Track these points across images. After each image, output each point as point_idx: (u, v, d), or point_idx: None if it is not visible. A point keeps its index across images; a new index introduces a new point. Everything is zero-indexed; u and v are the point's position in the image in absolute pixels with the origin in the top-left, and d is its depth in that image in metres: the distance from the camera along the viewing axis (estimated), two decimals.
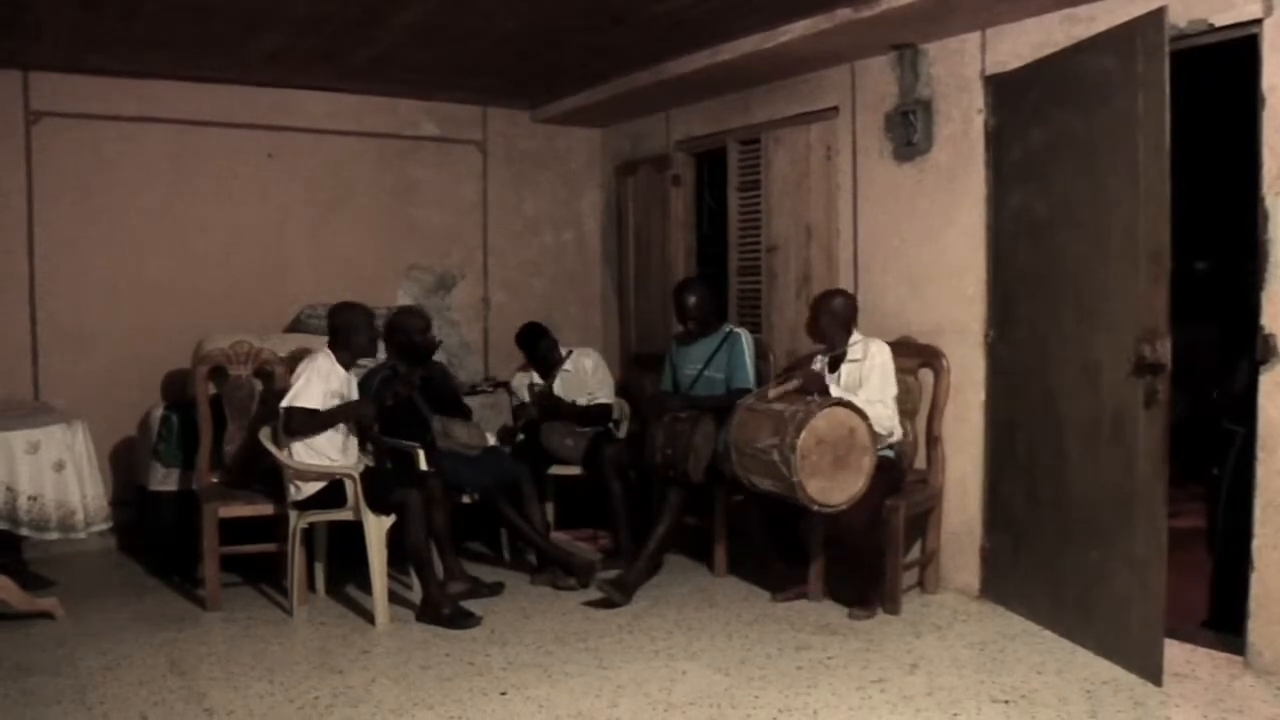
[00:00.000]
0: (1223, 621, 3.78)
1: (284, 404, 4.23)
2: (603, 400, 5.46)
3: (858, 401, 4.13)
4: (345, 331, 4.42)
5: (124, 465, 5.42)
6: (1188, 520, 4.51)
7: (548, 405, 5.35)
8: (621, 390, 5.84)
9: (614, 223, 6.76)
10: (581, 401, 5.39)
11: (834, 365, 4.40)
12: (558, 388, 5.43)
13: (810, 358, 4.51)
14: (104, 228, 5.48)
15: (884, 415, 4.23)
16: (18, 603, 4.20)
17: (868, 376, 4.27)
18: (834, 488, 3.99)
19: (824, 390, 4.19)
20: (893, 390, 4.32)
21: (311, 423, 4.24)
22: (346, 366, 4.41)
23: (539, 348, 5.50)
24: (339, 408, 4.33)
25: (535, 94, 6.25)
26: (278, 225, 5.91)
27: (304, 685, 3.57)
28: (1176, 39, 3.49)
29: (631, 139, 6.54)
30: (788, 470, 3.92)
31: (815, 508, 3.99)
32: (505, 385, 5.89)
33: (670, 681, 3.59)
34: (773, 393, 4.28)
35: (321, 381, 4.27)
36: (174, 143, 5.62)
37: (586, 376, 5.47)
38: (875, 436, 4.08)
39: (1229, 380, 3.79)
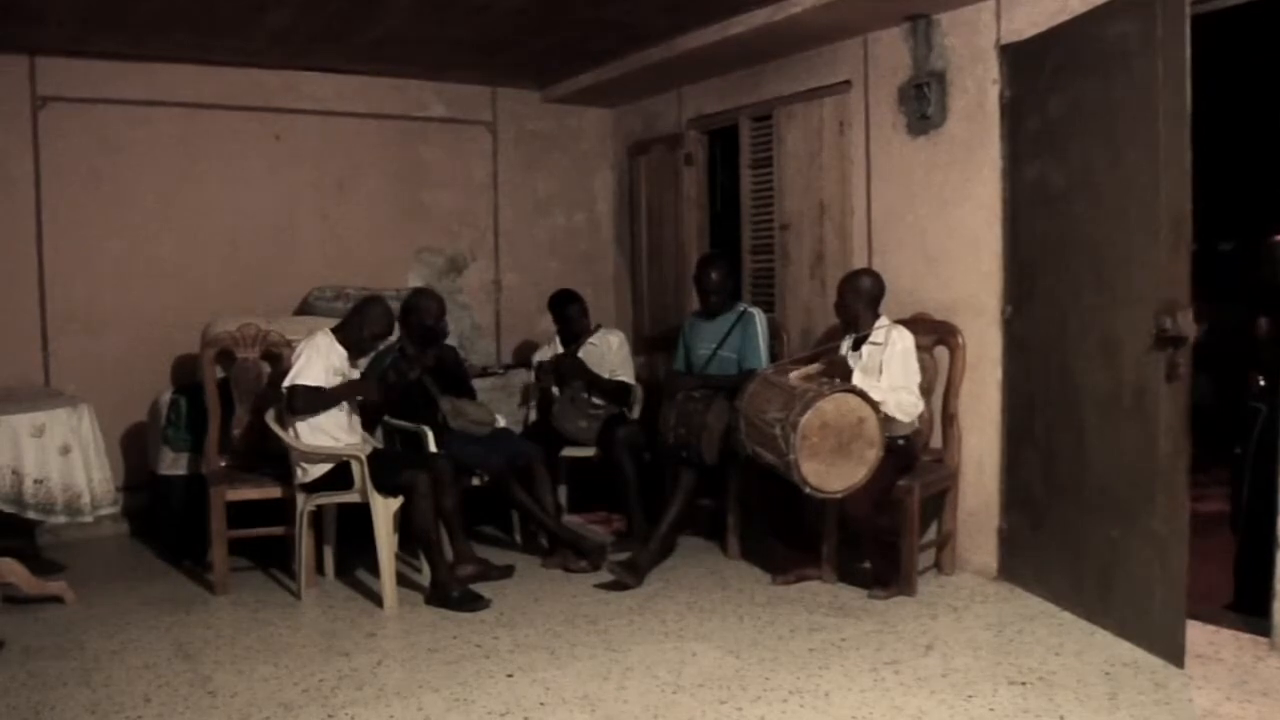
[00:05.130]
0: (1248, 604, 3.70)
1: (286, 383, 4.21)
2: (624, 379, 5.41)
3: (877, 390, 4.05)
4: (359, 321, 4.40)
5: (135, 450, 5.40)
6: (1212, 504, 4.42)
7: (570, 367, 5.28)
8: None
9: (626, 203, 6.69)
10: (603, 376, 5.34)
11: (856, 345, 4.33)
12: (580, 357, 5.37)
13: (838, 344, 4.43)
14: (112, 212, 5.46)
15: (908, 402, 4.16)
16: (27, 586, 4.20)
17: (888, 363, 4.20)
18: (831, 474, 3.91)
19: (846, 376, 4.12)
20: (917, 378, 4.24)
21: (316, 400, 4.21)
22: (347, 349, 4.38)
23: (568, 312, 5.44)
24: (343, 385, 4.31)
25: (545, 73, 6.18)
26: (286, 208, 5.88)
27: (309, 668, 3.54)
28: (1199, 1, 3.38)
29: (643, 118, 6.46)
30: (786, 447, 3.85)
31: (807, 490, 3.92)
32: (525, 365, 5.81)
33: (680, 664, 3.53)
34: (793, 375, 4.21)
35: (321, 359, 4.24)
36: (181, 126, 5.59)
37: (610, 353, 5.43)
38: (886, 430, 3.98)
39: None
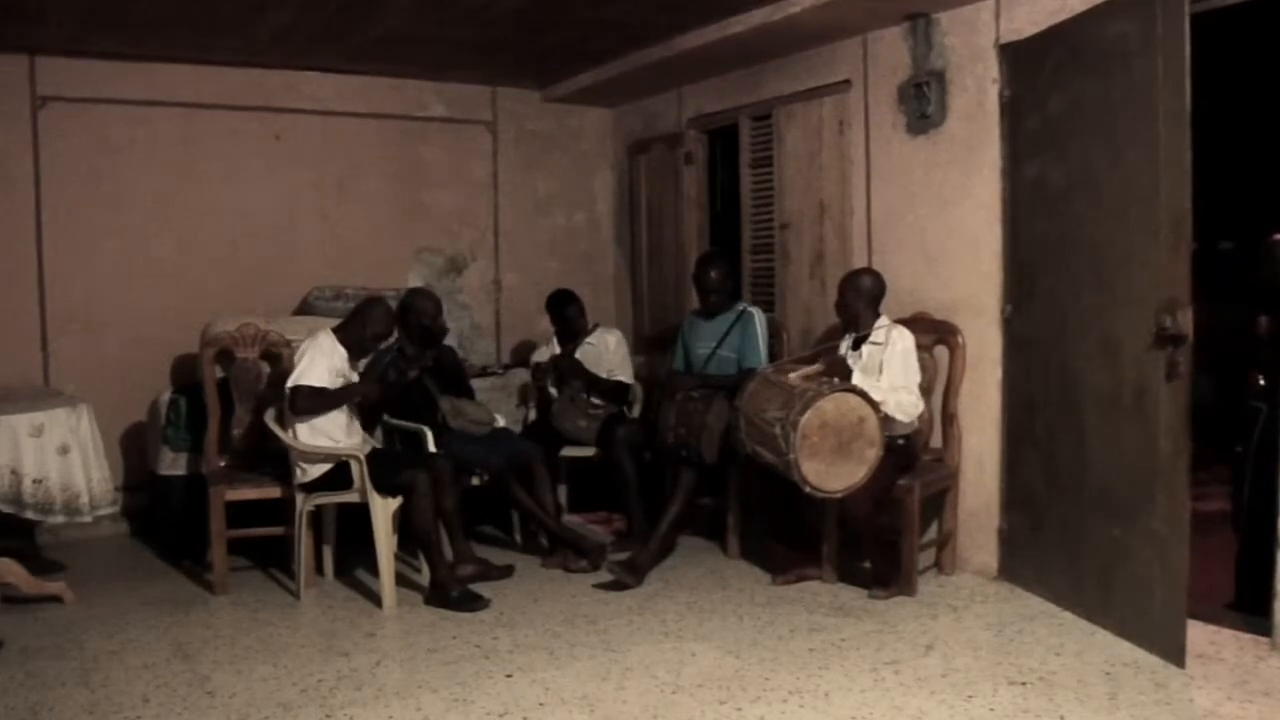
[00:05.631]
0: (1249, 603, 3.69)
1: (290, 383, 4.20)
2: (622, 379, 5.40)
3: (877, 390, 4.04)
4: (360, 322, 4.39)
5: (135, 450, 5.40)
6: (1213, 503, 4.41)
7: (567, 368, 5.27)
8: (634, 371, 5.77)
9: (626, 203, 6.69)
10: (601, 376, 5.34)
11: (857, 345, 4.33)
12: (578, 357, 5.37)
13: (838, 344, 4.43)
14: (112, 212, 5.46)
15: (909, 403, 4.16)
16: (26, 587, 4.19)
17: (888, 362, 4.19)
18: (831, 474, 3.90)
19: (846, 375, 4.12)
20: (917, 377, 4.24)
21: (318, 401, 4.21)
22: (348, 350, 4.37)
23: (566, 313, 5.43)
24: (345, 388, 4.31)
25: (545, 73, 6.17)
26: (286, 208, 5.87)
27: (308, 668, 3.54)
28: (1198, 1, 3.38)
29: (643, 117, 6.45)
30: (786, 446, 3.85)
31: (807, 489, 3.91)
32: (525, 365, 5.80)
33: (679, 664, 3.53)
34: (793, 375, 4.21)
35: (325, 359, 4.24)
36: (181, 126, 5.59)
37: (608, 353, 5.42)
38: (886, 429, 3.97)
39: None
